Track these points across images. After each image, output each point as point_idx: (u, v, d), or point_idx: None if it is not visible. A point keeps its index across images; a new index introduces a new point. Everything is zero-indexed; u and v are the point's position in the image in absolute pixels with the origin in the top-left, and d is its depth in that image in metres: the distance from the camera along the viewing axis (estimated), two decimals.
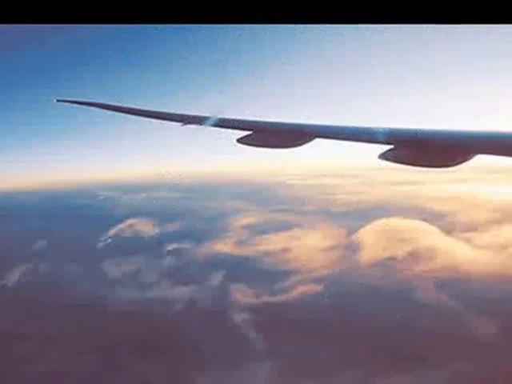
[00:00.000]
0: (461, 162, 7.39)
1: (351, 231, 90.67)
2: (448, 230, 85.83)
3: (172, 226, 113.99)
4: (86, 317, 56.67)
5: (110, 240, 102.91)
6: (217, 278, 68.84)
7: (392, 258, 73.79)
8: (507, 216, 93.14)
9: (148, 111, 11.28)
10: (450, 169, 7.52)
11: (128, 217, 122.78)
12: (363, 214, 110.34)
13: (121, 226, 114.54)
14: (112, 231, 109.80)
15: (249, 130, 9.42)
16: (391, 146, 7.88)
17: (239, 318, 54.97)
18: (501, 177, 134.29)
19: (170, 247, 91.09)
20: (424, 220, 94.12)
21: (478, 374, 38.51)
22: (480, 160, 7.33)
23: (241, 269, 74.11)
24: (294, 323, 52.09)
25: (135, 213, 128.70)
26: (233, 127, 9.62)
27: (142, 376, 42.93)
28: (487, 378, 36.83)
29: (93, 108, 12.03)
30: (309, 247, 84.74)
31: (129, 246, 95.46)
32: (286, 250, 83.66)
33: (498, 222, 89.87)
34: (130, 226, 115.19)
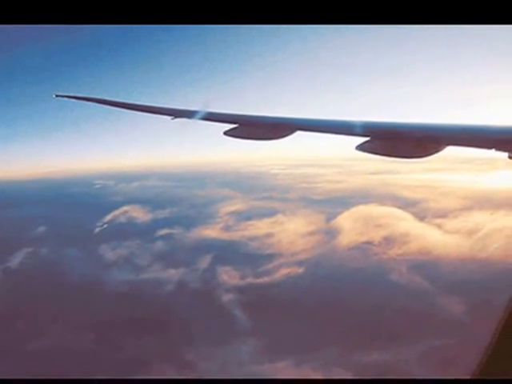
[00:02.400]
0: (433, 153, 7.40)
1: (330, 217, 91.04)
2: (421, 217, 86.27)
3: (163, 213, 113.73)
4: (84, 297, 56.67)
5: (105, 225, 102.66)
6: (205, 261, 68.89)
7: (368, 242, 74.19)
8: (475, 203, 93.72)
9: (141, 105, 11.19)
10: (423, 159, 7.53)
11: (122, 204, 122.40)
12: (342, 201, 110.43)
13: (116, 212, 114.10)
14: (107, 217, 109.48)
15: (234, 123, 9.36)
16: (368, 138, 7.88)
17: (226, 297, 55.17)
18: (470, 166, 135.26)
19: (162, 232, 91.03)
20: (398, 207, 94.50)
21: (447, 349, 38.97)
22: (450, 151, 7.35)
23: (227, 252, 74.13)
24: (276, 303, 52.34)
25: (129, 200, 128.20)
26: (220, 120, 9.56)
27: (136, 351, 42.98)
28: (456, 353, 37.19)
29: (89, 103, 11.90)
30: (291, 232, 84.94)
31: (123, 231, 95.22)
32: (269, 235, 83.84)
33: (467, 208, 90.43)
34: (125, 212, 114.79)
